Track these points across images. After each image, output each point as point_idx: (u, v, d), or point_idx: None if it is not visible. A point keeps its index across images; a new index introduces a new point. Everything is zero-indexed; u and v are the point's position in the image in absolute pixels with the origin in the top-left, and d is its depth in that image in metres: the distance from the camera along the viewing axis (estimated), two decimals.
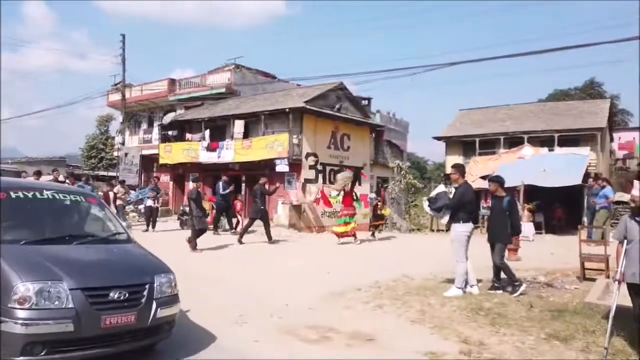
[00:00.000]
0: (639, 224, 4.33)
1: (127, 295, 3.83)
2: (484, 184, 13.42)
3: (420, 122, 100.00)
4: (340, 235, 13.40)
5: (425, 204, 7.64)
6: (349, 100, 21.61)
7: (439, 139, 26.55)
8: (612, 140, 28.81)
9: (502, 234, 7.14)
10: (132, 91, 27.55)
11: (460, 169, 7.46)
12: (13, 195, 4.37)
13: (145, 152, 26.14)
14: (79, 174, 21.50)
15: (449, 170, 25.32)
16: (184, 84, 26.38)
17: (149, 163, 25.99)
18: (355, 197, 13.84)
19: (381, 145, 27.04)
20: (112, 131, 35.00)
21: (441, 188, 7.68)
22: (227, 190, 15.54)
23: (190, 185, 12.52)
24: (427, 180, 38.45)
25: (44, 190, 4.65)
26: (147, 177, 25.65)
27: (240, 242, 12.50)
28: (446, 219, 7.18)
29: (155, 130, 26.41)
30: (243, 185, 20.07)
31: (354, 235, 13.45)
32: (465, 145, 25.48)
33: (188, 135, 22.74)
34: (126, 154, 26.25)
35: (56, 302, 3.54)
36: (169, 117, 24.98)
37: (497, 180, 7.40)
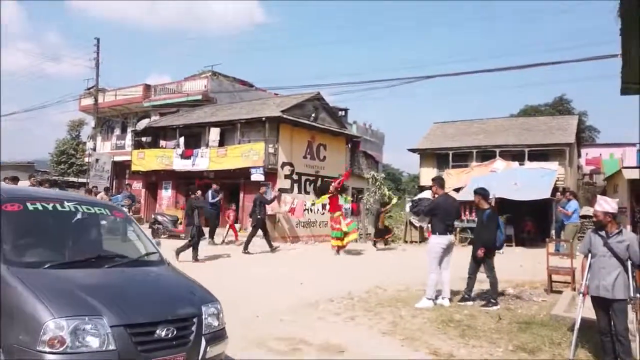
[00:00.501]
0: (602, 239, 4.46)
1: (175, 331, 3.21)
2: (459, 197, 13.66)
3: (396, 134, 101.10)
4: (339, 247, 13.41)
5: (408, 205, 7.80)
6: (325, 110, 21.71)
7: (413, 151, 26.90)
8: (579, 155, 29.70)
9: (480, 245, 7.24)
10: (106, 96, 27.06)
11: (439, 181, 7.62)
12: (30, 207, 3.71)
13: (118, 158, 25.64)
14: (49, 179, 20.88)
15: (423, 182, 25.78)
16: (160, 90, 26.06)
17: (121, 170, 25.49)
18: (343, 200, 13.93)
19: (357, 156, 27.24)
20: (83, 136, 34.23)
21: (427, 194, 7.81)
22: (217, 199, 15.39)
23: (199, 193, 12.35)
24: (402, 192, 38.83)
25: (65, 202, 3.96)
26: (118, 184, 25.14)
27: (245, 252, 12.86)
28: (424, 224, 7.29)
29: (129, 136, 25.95)
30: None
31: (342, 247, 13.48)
32: (439, 157, 25.87)
33: (162, 142, 22.41)
34: (97, 160, 25.68)
35: (95, 344, 2.88)
36: (143, 124, 24.60)
37: (479, 192, 7.45)
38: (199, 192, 12.48)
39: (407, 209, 7.54)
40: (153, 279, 3.74)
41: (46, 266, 3.36)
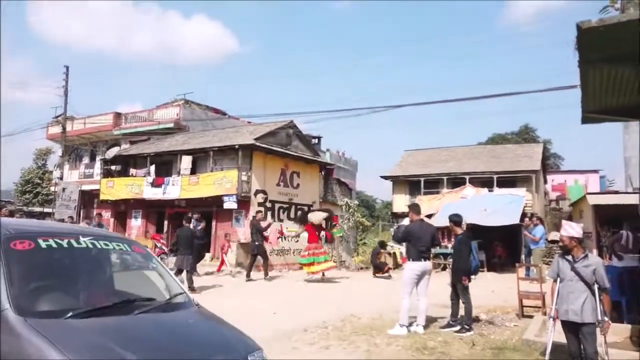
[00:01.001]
0: (569, 263, 4.57)
1: None
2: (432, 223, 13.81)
3: (369, 161, 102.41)
4: (313, 273, 13.48)
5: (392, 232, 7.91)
6: (299, 138, 21.86)
7: (386, 178, 27.23)
8: (545, 182, 30.62)
9: (457, 274, 7.30)
10: (75, 124, 26.59)
11: (414, 208, 7.70)
12: (43, 244, 3.18)
13: (86, 187, 25.04)
14: (22, 209, 20.14)
15: (396, 209, 26.02)
16: (131, 118, 25.81)
17: (89, 199, 24.88)
18: (320, 236, 13.96)
19: (330, 183, 27.32)
20: (50, 165, 33.40)
21: (407, 221, 7.89)
22: (199, 228, 14.99)
23: (192, 224, 12.16)
24: (376, 219, 39.05)
25: (80, 237, 3.47)
26: (86, 214, 24.47)
27: (248, 279, 13.12)
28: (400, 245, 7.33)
29: (98, 164, 25.46)
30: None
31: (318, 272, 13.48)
32: (411, 184, 26.25)
33: (132, 171, 22.05)
34: (64, 189, 25.00)
35: None
36: (112, 152, 24.21)
37: (451, 219, 7.57)
38: (193, 222, 12.51)
39: (392, 235, 7.78)
40: (192, 327, 3.27)
41: (68, 315, 2.80)
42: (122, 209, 22.20)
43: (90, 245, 3.48)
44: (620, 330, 6.38)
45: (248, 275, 13.31)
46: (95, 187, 23.36)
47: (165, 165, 20.90)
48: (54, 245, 3.24)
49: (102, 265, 3.69)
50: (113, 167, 22.84)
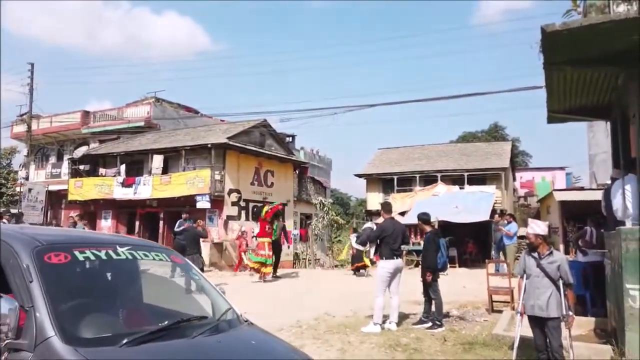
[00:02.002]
0: (535, 260, 4.71)
1: None
2: (404, 221, 14.00)
3: (343, 159, 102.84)
4: (265, 274, 13.16)
5: (353, 238, 7.90)
6: (272, 137, 21.80)
7: (360, 176, 27.40)
8: (514, 179, 31.39)
9: (425, 270, 7.42)
10: (40, 123, 25.82)
11: (385, 207, 7.80)
12: (80, 256, 2.80)
13: (53, 187, 24.34)
14: (10, 212, 19.26)
15: (370, 206, 26.23)
16: (99, 117, 25.22)
17: (56, 199, 24.20)
18: (272, 229, 13.55)
19: (305, 181, 27.36)
20: (15, 165, 32.30)
21: (368, 224, 7.96)
22: (181, 228, 14.48)
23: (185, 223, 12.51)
24: (350, 216, 39.28)
25: (117, 247, 3.08)
26: (53, 215, 23.80)
27: (275, 276, 13.56)
28: (372, 251, 7.36)
29: (65, 164, 24.79)
30: (161, 222, 19.24)
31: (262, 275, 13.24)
32: (384, 182, 26.49)
33: (102, 170, 21.57)
34: (30, 190, 24.22)
35: None
36: (80, 151, 23.63)
37: (420, 217, 7.72)
38: (201, 221, 12.93)
39: (353, 241, 7.86)
40: (259, 349, 2.96)
41: (124, 342, 2.42)
42: (92, 210, 21.68)
43: (130, 256, 3.11)
44: (585, 323, 6.61)
45: (274, 271, 13.77)
46: (63, 187, 22.75)
47: (136, 164, 20.51)
48: (92, 258, 2.86)
49: (144, 279, 3.38)
50: (81, 167, 22.30)
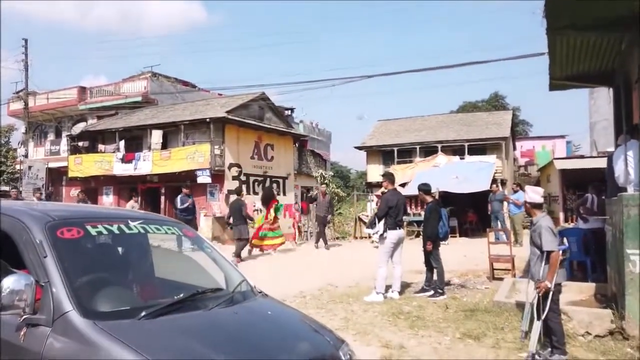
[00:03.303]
0: (530, 227, 4.76)
1: None
2: (405, 192, 14.02)
3: (343, 132, 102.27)
4: (261, 247, 13.19)
5: (367, 230, 8.04)
6: (271, 110, 21.63)
7: (360, 148, 27.32)
8: (515, 148, 31.32)
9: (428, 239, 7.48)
10: (37, 99, 25.60)
11: (389, 177, 7.78)
12: (92, 231, 2.80)
13: (53, 164, 24.32)
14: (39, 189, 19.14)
15: (370, 178, 26.25)
16: (96, 93, 25.00)
17: (57, 176, 24.20)
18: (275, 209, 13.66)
19: (305, 154, 27.32)
20: (14, 142, 32.19)
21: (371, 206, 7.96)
22: (186, 204, 14.03)
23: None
24: (351, 189, 39.36)
25: (129, 221, 3.07)
26: (54, 192, 23.85)
27: (327, 248, 14.22)
28: (378, 227, 7.32)
29: (64, 141, 24.69)
30: (163, 197, 19.30)
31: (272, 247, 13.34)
32: (384, 154, 26.44)
33: (101, 147, 21.48)
34: (30, 167, 24.23)
35: None
36: (79, 128, 23.49)
37: (421, 188, 7.74)
38: (243, 193, 13.57)
39: (367, 231, 8.19)
40: (276, 320, 2.95)
41: (142, 315, 2.41)
42: (93, 186, 21.70)
43: (142, 230, 3.13)
44: (585, 289, 6.70)
45: (325, 243, 14.54)
46: (63, 164, 22.71)
47: (135, 140, 20.43)
48: (105, 232, 2.86)
49: (158, 253, 3.37)
50: (80, 143, 22.20)
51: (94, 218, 2.98)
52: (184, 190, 14.41)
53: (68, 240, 2.64)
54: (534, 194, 4.77)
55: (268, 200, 13.55)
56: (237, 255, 11.80)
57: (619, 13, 4.96)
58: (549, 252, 4.42)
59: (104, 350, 2.13)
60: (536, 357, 4.38)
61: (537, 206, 4.76)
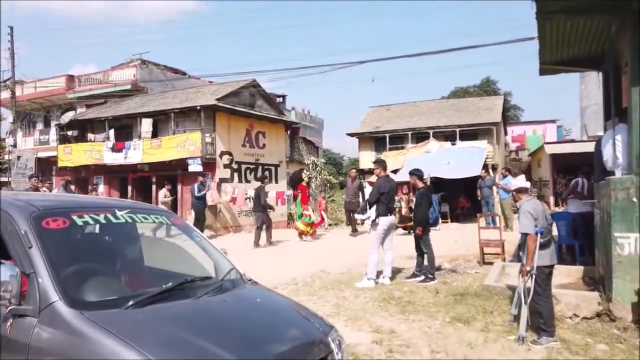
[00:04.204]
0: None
1: None
2: (397, 178, 14.06)
3: (335, 119, 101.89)
4: (302, 232, 13.67)
5: (358, 216, 8.12)
6: (263, 97, 21.48)
7: (352, 135, 27.29)
8: (506, 133, 31.45)
9: (418, 225, 7.52)
10: (25, 88, 25.23)
11: (381, 163, 7.81)
12: (79, 221, 2.78)
13: (42, 154, 24.05)
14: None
15: (362, 165, 26.26)
16: (85, 81, 24.67)
17: (46, 166, 23.96)
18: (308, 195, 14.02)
19: (297, 142, 27.23)
20: (2, 132, 31.78)
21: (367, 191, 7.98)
22: (203, 192, 14.94)
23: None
24: (344, 176, 39.37)
25: (116, 210, 3.06)
26: (46, 181, 23.63)
27: (354, 235, 13.77)
28: (369, 213, 7.36)
29: (53, 130, 24.41)
30: (154, 187, 19.20)
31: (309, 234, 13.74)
32: (376, 140, 26.44)
33: (90, 136, 21.26)
34: (19, 157, 23.92)
35: None
36: (67, 117, 23.22)
37: (414, 173, 7.76)
38: (266, 181, 14.11)
39: (358, 217, 8.30)
40: (265, 307, 2.94)
41: (129, 304, 2.42)
42: (83, 175, 21.53)
43: (129, 220, 3.10)
44: (574, 272, 6.78)
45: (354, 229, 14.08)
46: (52, 153, 22.47)
47: (124, 129, 20.23)
48: (91, 222, 2.85)
49: (145, 242, 3.38)
50: (69, 133, 21.95)
51: (80, 208, 2.95)
52: (200, 178, 15.19)
53: (53, 231, 2.62)
54: (517, 180, 4.93)
55: (296, 183, 13.87)
56: (256, 244, 12.29)
57: None
58: (525, 235, 4.51)
59: (91, 339, 2.13)
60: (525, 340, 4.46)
61: (522, 190, 4.87)
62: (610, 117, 6.48)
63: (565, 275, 6.62)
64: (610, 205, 5.06)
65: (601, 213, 5.85)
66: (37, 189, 10.53)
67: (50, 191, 12.31)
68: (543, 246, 4.54)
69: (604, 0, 5.07)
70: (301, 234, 13.74)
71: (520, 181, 4.90)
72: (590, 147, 10.01)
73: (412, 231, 7.60)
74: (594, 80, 18.92)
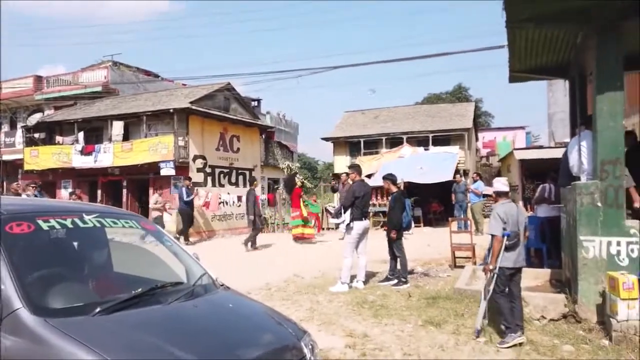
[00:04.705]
0: None
1: None
2: (371, 183, 14.15)
3: (310, 123, 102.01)
4: (298, 237, 13.56)
5: (333, 220, 8.14)
6: (237, 101, 21.35)
7: (327, 139, 27.36)
8: (477, 139, 32.05)
9: (391, 229, 7.56)
10: None
11: (356, 168, 7.87)
12: (44, 225, 2.70)
13: (7, 157, 23.30)
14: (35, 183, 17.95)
15: (337, 169, 26.36)
16: (53, 82, 23.99)
17: (12, 169, 23.19)
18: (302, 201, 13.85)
19: (271, 146, 27.11)
20: None
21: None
22: (191, 197, 14.95)
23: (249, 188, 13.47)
24: (318, 180, 39.43)
25: (84, 215, 2.98)
26: (8, 185, 22.87)
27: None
28: (344, 217, 7.36)
29: (19, 132, 23.63)
30: (125, 190, 18.81)
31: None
32: (351, 145, 26.57)
33: (59, 138, 20.67)
34: None
35: None
36: (35, 118, 22.54)
37: (388, 178, 7.84)
38: (256, 183, 13.70)
39: (332, 220, 8.29)
40: (237, 312, 2.91)
41: (96, 311, 2.36)
42: (50, 179, 20.91)
43: (98, 224, 3.02)
44: (541, 275, 6.95)
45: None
46: (19, 156, 21.75)
47: (94, 131, 19.76)
48: (57, 227, 2.76)
49: (115, 247, 3.32)
50: (36, 135, 21.29)
51: (46, 212, 2.88)
52: (187, 182, 15.30)
53: (18, 235, 2.55)
54: (498, 183, 5.03)
55: (291, 187, 13.76)
56: (248, 243, 12.25)
57: (576, 5, 5.11)
58: (492, 236, 4.71)
59: (55, 348, 2.07)
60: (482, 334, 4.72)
61: (500, 194, 4.98)
62: (576, 124, 6.69)
63: (533, 278, 6.78)
64: (576, 210, 5.21)
65: (567, 217, 6.02)
66: (17, 194, 10.27)
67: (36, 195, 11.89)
68: (508, 249, 4.69)
69: (570, 10, 5.23)
70: (297, 238, 13.64)
71: (499, 183, 5.01)
72: (557, 153, 10.26)
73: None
74: (561, 88, 19.52)
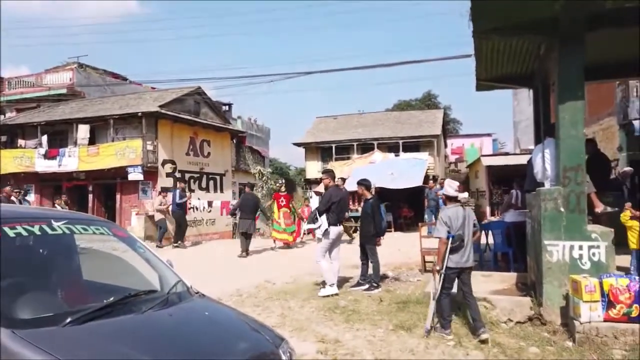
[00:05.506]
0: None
1: None
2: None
3: (282, 128, 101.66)
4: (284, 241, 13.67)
5: (308, 225, 8.13)
6: (208, 105, 21.15)
7: (298, 145, 27.39)
8: (446, 146, 32.71)
9: (368, 235, 7.60)
10: None
11: (330, 173, 7.85)
12: (10, 232, 2.60)
13: None
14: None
15: (309, 175, 26.40)
16: (15, 84, 23.24)
17: None
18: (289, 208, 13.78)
19: (243, 151, 26.95)
20: None
21: (315, 201, 7.97)
22: (184, 199, 14.77)
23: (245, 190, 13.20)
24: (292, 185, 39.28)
25: (52, 221, 2.88)
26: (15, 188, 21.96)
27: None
28: (320, 221, 7.30)
29: None
30: (90, 196, 18.31)
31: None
32: (323, 150, 26.71)
33: (21, 142, 20.00)
34: None
35: None
36: None
37: (362, 183, 7.85)
38: (247, 188, 13.25)
39: (308, 226, 8.18)
40: (214, 320, 2.87)
41: (67, 322, 2.29)
42: (11, 184, 20.15)
43: (67, 231, 2.94)
44: (508, 278, 7.10)
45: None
46: None
47: (59, 135, 19.21)
48: (24, 233, 2.67)
49: (85, 255, 3.22)
50: None
51: (12, 218, 2.75)
52: (181, 184, 15.63)
53: None
54: (447, 186, 5.23)
55: (294, 189, 13.75)
56: (244, 250, 12.04)
57: (539, 16, 5.29)
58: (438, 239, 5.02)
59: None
60: (432, 332, 4.97)
61: (449, 198, 5.20)
62: (540, 131, 6.91)
63: (500, 281, 6.93)
64: (540, 215, 5.36)
65: (532, 222, 6.19)
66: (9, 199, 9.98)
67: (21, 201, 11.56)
68: (453, 250, 4.95)
69: (533, 21, 5.41)
70: (275, 240, 13.73)
71: (449, 187, 5.19)
72: (522, 159, 10.55)
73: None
74: (526, 96, 20.14)
